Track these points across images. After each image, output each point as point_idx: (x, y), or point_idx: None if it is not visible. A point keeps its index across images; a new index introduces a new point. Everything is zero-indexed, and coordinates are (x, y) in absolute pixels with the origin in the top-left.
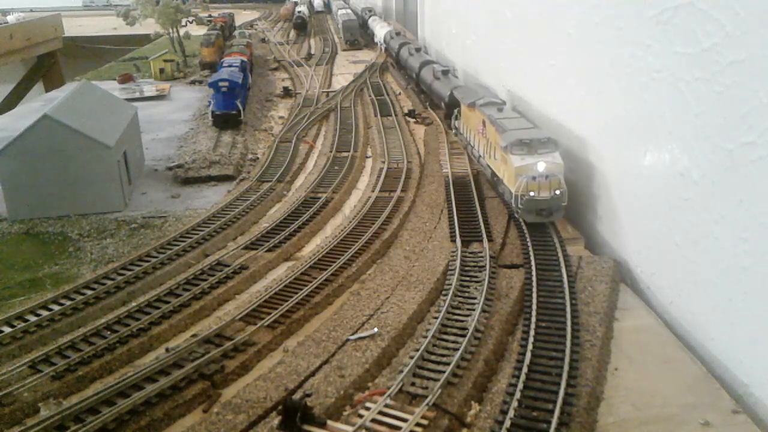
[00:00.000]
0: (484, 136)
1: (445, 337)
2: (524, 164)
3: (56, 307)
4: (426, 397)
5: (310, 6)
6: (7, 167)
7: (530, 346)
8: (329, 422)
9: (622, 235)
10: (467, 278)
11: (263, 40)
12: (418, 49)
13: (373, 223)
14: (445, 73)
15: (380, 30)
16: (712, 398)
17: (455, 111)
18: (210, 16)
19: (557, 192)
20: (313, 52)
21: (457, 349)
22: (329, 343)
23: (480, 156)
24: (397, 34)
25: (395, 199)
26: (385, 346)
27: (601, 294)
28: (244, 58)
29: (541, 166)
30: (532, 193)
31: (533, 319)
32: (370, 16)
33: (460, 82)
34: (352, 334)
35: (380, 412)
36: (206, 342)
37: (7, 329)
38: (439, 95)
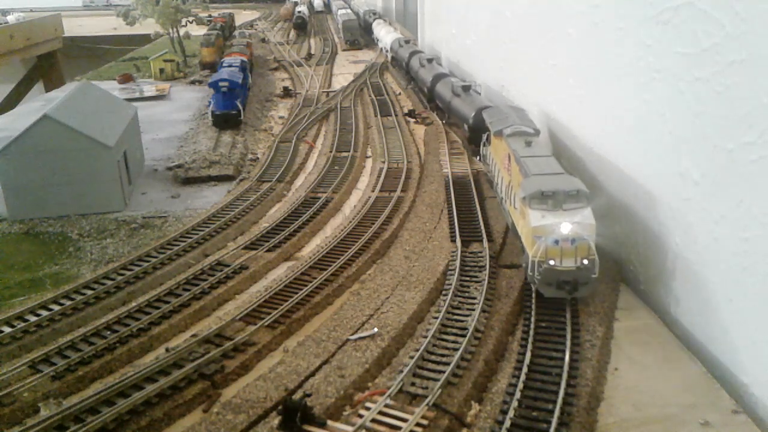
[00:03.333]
0: (509, 173)
1: (445, 337)
2: (544, 224)
3: (56, 307)
4: (426, 397)
5: (310, 6)
6: (7, 167)
7: (530, 346)
8: (329, 422)
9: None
10: (467, 278)
11: (263, 40)
12: (430, 60)
13: (373, 223)
14: (466, 89)
15: (386, 36)
16: (712, 398)
17: (484, 136)
18: (210, 16)
19: (585, 261)
20: (313, 52)
21: (457, 349)
22: (329, 343)
23: (502, 199)
24: (407, 42)
25: (395, 199)
26: (385, 346)
27: (601, 294)
28: (244, 58)
29: (565, 228)
30: (552, 262)
31: (533, 319)
32: (374, 20)
33: (485, 100)
34: (352, 334)
35: (380, 412)
36: (206, 342)
37: (7, 329)
38: (460, 115)
